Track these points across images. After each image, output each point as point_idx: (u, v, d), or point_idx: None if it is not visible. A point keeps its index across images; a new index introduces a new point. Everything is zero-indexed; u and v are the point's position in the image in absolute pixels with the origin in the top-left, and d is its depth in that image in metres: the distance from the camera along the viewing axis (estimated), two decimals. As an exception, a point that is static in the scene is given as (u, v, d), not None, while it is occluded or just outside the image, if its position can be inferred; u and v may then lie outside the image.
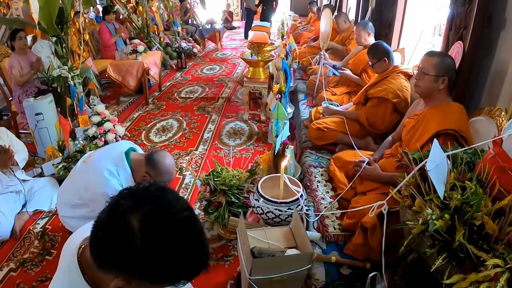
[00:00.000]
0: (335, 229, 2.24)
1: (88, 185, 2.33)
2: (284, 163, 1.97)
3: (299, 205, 2.00)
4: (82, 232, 1.05)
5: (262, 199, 2.01)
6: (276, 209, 1.96)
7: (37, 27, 3.74)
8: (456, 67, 2.47)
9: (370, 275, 1.59)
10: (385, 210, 1.43)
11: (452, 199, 1.19)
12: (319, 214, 2.27)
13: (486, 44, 2.42)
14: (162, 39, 7.64)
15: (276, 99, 2.73)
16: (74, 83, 3.94)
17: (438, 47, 3.20)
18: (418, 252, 1.36)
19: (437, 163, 1.29)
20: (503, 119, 2.04)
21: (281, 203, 1.98)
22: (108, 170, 2.26)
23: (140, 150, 2.55)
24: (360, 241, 2.03)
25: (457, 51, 2.53)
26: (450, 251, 1.15)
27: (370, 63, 3.11)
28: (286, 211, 1.96)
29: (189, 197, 3.33)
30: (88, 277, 0.94)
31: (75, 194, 2.41)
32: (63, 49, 4.18)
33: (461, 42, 2.48)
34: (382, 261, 1.53)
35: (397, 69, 2.96)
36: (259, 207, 2.01)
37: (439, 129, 1.99)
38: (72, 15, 4.18)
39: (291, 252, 1.56)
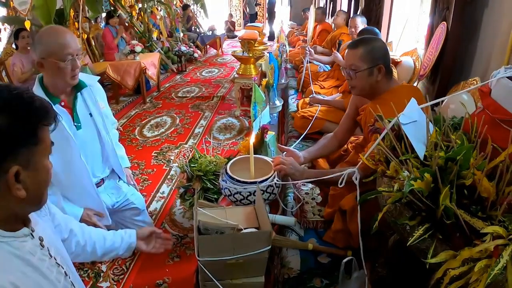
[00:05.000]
0: (314, 215, 1.92)
1: None
2: (252, 140, 1.65)
3: (271, 185, 1.67)
4: None
5: (230, 179, 1.69)
6: (244, 189, 1.64)
7: (26, 19, 3.57)
8: (441, 47, 2.25)
9: (344, 260, 1.26)
10: (356, 179, 1.10)
11: (433, 158, 0.86)
12: (299, 199, 1.96)
13: (471, 23, 2.17)
14: (163, 43, 7.42)
15: (254, 82, 2.41)
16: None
17: (422, 42, 2.99)
18: (399, 232, 1.03)
19: (414, 120, 0.97)
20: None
21: (251, 183, 1.65)
22: None
23: None
24: (339, 226, 1.70)
25: (441, 31, 2.32)
26: (434, 222, 0.83)
27: None
28: (255, 192, 1.63)
29: (173, 187, 3.03)
30: None
31: None
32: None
33: (445, 23, 2.26)
34: (360, 244, 1.21)
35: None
36: (226, 188, 1.69)
37: None
38: (72, 15, 4.05)
39: (248, 231, 1.24)
